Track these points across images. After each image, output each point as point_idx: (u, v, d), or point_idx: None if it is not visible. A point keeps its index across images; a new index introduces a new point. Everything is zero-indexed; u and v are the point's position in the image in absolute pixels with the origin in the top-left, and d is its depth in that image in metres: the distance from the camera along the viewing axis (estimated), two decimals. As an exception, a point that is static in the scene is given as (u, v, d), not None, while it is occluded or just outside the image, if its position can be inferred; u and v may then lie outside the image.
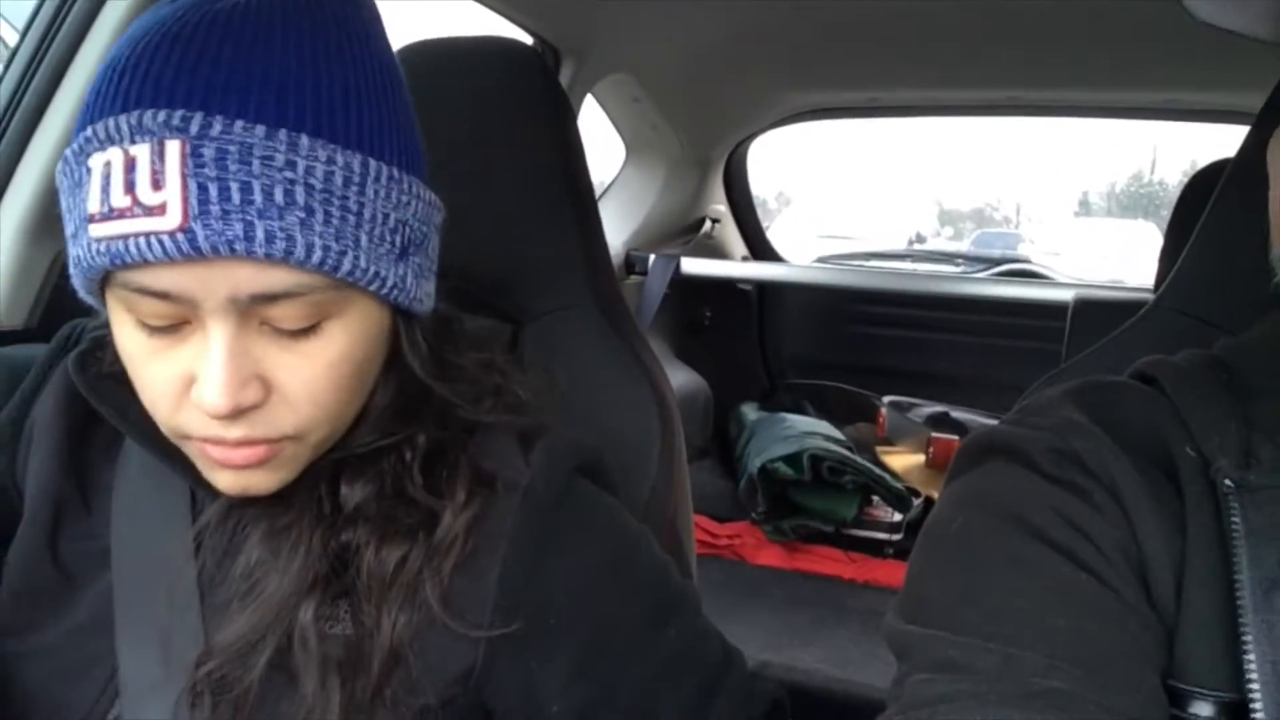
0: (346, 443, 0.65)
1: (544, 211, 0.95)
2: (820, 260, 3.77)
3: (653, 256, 2.58)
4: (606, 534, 0.70)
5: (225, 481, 0.60)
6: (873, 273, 3.21)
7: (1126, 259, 7.54)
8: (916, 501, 2.60)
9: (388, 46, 0.62)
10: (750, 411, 3.00)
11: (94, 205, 0.52)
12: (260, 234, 0.51)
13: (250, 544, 0.63)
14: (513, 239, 0.95)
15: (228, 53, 0.52)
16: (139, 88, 0.52)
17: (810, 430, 2.70)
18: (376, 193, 0.56)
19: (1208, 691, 0.48)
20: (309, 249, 0.53)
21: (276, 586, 0.61)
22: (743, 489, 2.62)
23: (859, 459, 2.58)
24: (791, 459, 2.51)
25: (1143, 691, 0.47)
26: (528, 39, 1.80)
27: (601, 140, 2.56)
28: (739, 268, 3.04)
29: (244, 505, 0.65)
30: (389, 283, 0.58)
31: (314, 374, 0.57)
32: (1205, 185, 1.16)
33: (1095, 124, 3.25)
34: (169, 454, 0.64)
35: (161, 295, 0.53)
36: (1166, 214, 1.56)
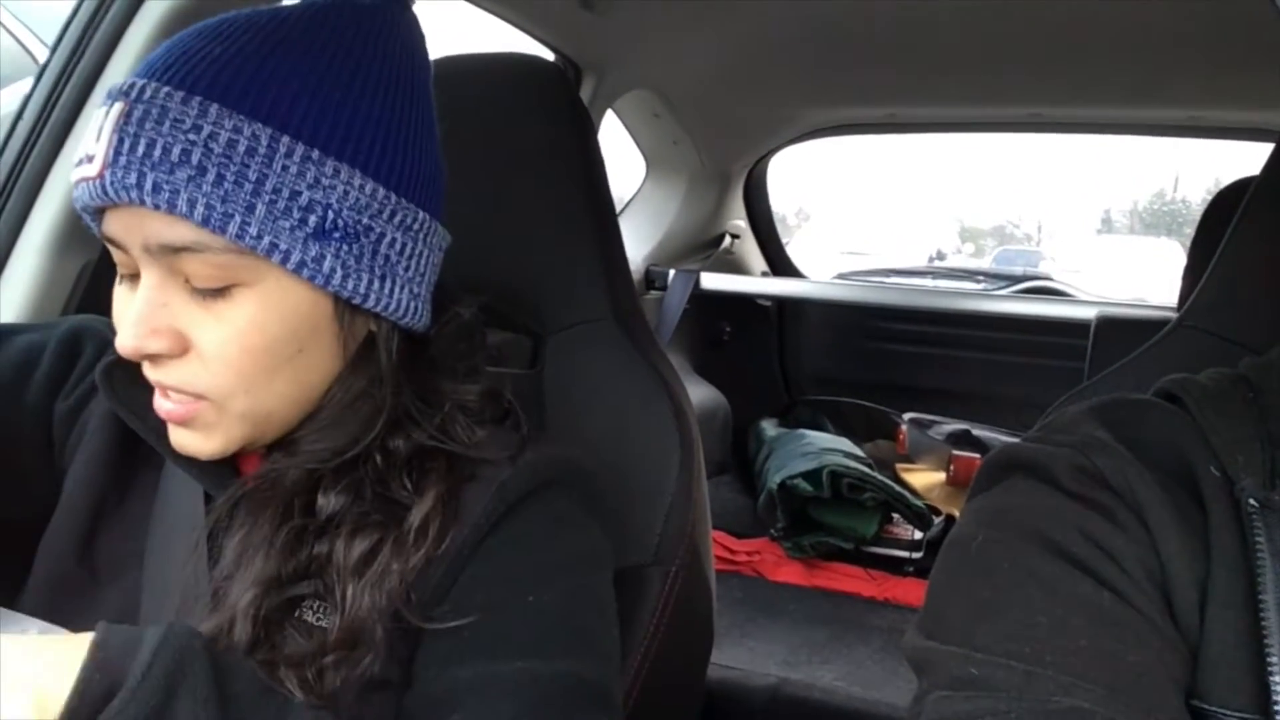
0: (298, 437, 0.66)
1: (565, 226, 0.96)
2: (840, 277, 3.77)
3: (672, 271, 2.59)
4: (553, 544, 0.69)
5: (172, 437, 0.65)
6: (893, 289, 3.21)
7: (1148, 276, 7.50)
8: (937, 520, 2.59)
9: (384, 58, 0.64)
10: (769, 427, 2.99)
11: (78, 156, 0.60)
12: (149, 184, 0.56)
13: (230, 544, 0.65)
14: (534, 253, 0.95)
15: (201, 41, 0.60)
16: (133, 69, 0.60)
17: (830, 447, 2.69)
18: (286, 168, 0.59)
19: (1231, 712, 0.48)
20: (191, 204, 0.57)
21: (241, 587, 0.62)
22: (762, 505, 2.62)
23: (879, 476, 2.57)
24: (811, 475, 2.50)
25: (1165, 710, 0.47)
26: (549, 55, 1.82)
27: (622, 155, 2.57)
28: (758, 283, 3.05)
29: (234, 506, 0.66)
30: (294, 258, 0.60)
31: (224, 336, 0.61)
32: (1229, 203, 1.15)
33: (1118, 141, 3.24)
34: (184, 458, 0.66)
35: (111, 241, 0.61)
36: (1189, 232, 1.56)
